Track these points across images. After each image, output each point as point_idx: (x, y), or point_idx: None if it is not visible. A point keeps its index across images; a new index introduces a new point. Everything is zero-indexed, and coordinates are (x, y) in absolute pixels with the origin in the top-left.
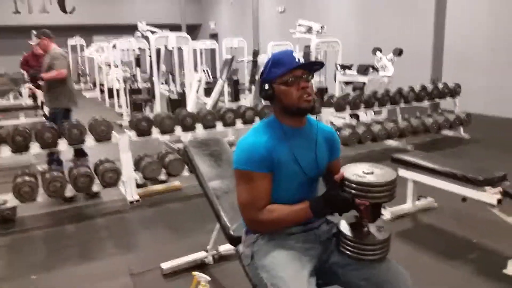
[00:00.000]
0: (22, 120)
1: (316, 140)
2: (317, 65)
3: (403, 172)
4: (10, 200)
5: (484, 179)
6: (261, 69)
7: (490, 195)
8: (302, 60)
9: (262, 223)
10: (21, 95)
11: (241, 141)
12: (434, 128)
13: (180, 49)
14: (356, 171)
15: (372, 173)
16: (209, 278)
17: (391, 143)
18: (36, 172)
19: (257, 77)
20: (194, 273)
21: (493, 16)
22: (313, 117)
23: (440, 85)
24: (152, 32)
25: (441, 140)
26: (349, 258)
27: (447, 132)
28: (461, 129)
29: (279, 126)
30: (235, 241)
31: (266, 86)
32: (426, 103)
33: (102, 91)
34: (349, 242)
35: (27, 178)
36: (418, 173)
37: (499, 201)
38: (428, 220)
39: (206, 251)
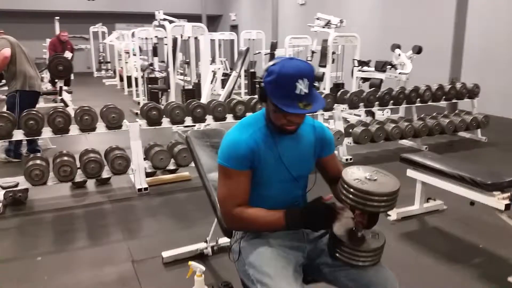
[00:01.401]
0: (41, 105)
1: (305, 137)
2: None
3: (411, 173)
4: (21, 182)
5: (492, 183)
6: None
7: (498, 200)
8: (305, 91)
9: (234, 220)
10: (42, 80)
11: (226, 136)
12: (450, 129)
13: (197, 40)
14: (359, 176)
15: (375, 180)
16: (204, 268)
17: (405, 143)
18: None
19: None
20: (190, 262)
21: None
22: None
23: (458, 85)
24: (170, 22)
25: (457, 142)
26: (339, 261)
27: (464, 134)
28: (479, 131)
29: (267, 123)
30: (229, 234)
31: (262, 90)
32: (443, 103)
33: (121, 79)
34: (341, 246)
35: (38, 161)
36: (426, 174)
37: (507, 207)
38: (435, 223)
39: (206, 242)
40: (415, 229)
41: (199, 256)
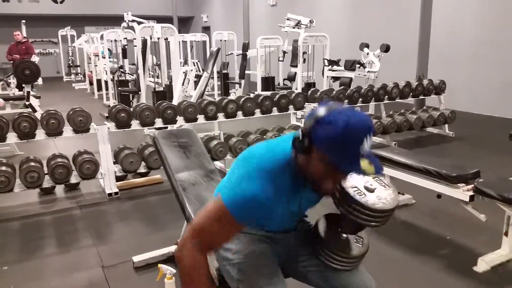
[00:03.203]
0: (8, 110)
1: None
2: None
3: None
4: None
5: (457, 175)
6: (319, 112)
7: (463, 192)
8: (367, 150)
9: (186, 256)
10: (8, 85)
11: (249, 180)
12: (418, 125)
13: (167, 41)
14: (357, 182)
15: (373, 190)
16: (174, 271)
17: (375, 139)
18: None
19: (246, 71)
20: (160, 265)
21: (479, 12)
22: None
23: (425, 82)
24: (139, 23)
25: (426, 137)
26: (318, 260)
27: (432, 130)
28: (446, 126)
29: (295, 177)
30: None
31: (306, 142)
32: (411, 100)
33: (91, 83)
34: (323, 247)
35: (3, 168)
36: (393, 169)
37: (472, 198)
38: (403, 216)
39: (176, 244)
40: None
41: (171, 259)
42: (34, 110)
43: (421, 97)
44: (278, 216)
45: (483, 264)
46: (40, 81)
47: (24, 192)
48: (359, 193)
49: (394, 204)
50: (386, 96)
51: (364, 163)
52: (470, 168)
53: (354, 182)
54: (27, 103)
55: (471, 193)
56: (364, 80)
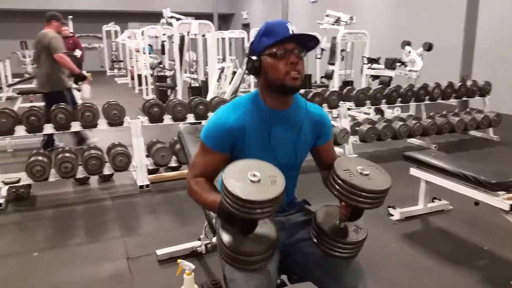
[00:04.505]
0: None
1: (300, 123)
2: (312, 41)
3: (414, 171)
4: (23, 178)
5: (497, 182)
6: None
7: (503, 201)
8: (295, 32)
9: (189, 189)
10: None
11: (215, 113)
12: (460, 128)
13: (205, 37)
14: (351, 167)
15: (367, 174)
16: (193, 267)
17: (414, 141)
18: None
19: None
20: (179, 260)
21: None
22: (302, 97)
23: (469, 83)
24: (177, 19)
25: (468, 141)
26: (318, 249)
27: (475, 133)
28: (490, 130)
29: (260, 104)
30: (214, 230)
31: (254, 57)
32: (454, 101)
33: (132, 78)
34: (321, 235)
35: (40, 157)
36: (430, 173)
37: None
38: (439, 223)
39: (199, 239)
40: (418, 230)
41: (194, 254)
42: (47, 104)
43: (464, 98)
44: (254, 146)
45: None
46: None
47: (59, 182)
48: (350, 175)
49: (384, 186)
50: (427, 97)
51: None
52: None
53: (347, 166)
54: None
55: (511, 201)
56: (405, 79)
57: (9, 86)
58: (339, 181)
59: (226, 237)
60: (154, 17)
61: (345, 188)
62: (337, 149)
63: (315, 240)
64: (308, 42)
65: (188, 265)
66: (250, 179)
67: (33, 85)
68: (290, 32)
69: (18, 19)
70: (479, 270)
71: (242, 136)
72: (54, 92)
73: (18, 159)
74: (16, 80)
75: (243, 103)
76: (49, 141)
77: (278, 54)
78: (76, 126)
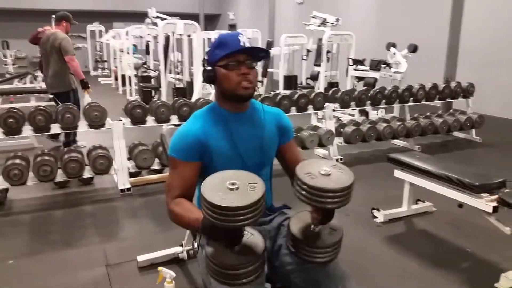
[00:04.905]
0: (33, 103)
1: (260, 123)
2: (262, 52)
3: (399, 173)
4: (0, 182)
5: (480, 184)
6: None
7: (486, 203)
8: (248, 45)
9: (170, 211)
10: (35, 78)
11: (178, 129)
12: (444, 129)
13: (190, 38)
14: (312, 170)
15: (329, 175)
16: (174, 274)
17: (398, 143)
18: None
19: (269, 70)
20: (160, 268)
21: None
22: (257, 101)
23: (453, 84)
24: (162, 19)
25: (451, 142)
26: (296, 258)
27: (458, 134)
28: (473, 131)
29: (218, 110)
30: (194, 234)
31: (208, 68)
32: (438, 103)
33: (116, 78)
34: (296, 242)
35: (17, 161)
36: (414, 175)
37: (495, 209)
38: (423, 225)
39: (182, 245)
40: (402, 232)
41: (175, 261)
42: (58, 104)
43: (448, 100)
44: (221, 154)
45: (506, 281)
46: None
47: (38, 186)
48: (312, 177)
49: (346, 183)
50: (411, 98)
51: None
52: (495, 177)
53: (309, 169)
54: (50, 96)
55: (494, 203)
56: (390, 81)
57: None
58: (302, 185)
59: (211, 252)
60: (140, 16)
61: (308, 191)
62: (322, 151)
63: (291, 249)
64: (259, 53)
65: (169, 272)
66: (228, 187)
67: (41, 83)
68: (241, 44)
69: None
70: (463, 272)
71: (207, 140)
72: (61, 93)
73: None
74: None
75: (203, 113)
76: (67, 140)
77: (229, 65)
78: (55, 128)
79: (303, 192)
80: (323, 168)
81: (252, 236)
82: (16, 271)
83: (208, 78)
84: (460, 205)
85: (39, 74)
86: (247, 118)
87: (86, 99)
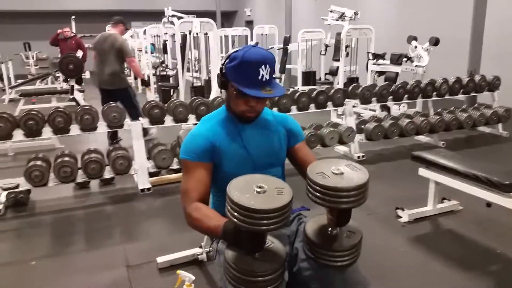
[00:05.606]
0: (54, 104)
1: (268, 127)
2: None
3: (423, 172)
4: (22, 184)
5: (510, 183)
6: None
7: None
8: (266, 77)
9: (188, 216)
10: (56, 79)
11: (189, 132)
12: (468, 124)
13: (207, 36)
14: (324, 170)
15: (341, 174)
16: (193, 278)
17: (421, 139)
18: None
19: (287, 66)
20: (179, 271)
21: None
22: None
23: (477, 78)
24: (178, 18)
25: (477, 137)
26: (314, 263)
27: (483, 129)
28: (500, 125)
29: (227, 113)
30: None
31: (223, 78)
32: (462, 97)
33: (135, 77)
34: (313, 247)
35: (38, 162)
36: (439, 173)
37: None
38: (449, 225)
39: (201, 247)
40: (428, 232)
41: (195, 262)
42: (78, 104)
43: (473, 94)
44: (231, 154)
45: None
46: (87, 74)
47: (59, 186)
48: (324, 177)
49: (360, 181)
50: (435, 93)
51: (264, 90)
52: None
53: (320, 169)
54: (71, 97)
55: None
56: (411, 75)
57: (11, 88)
58: (314, 186)
59: (231, 257)
60: (156, 16)
61: (321, 191)
62: (343, 148)
63: (309, 254)
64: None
65: (188, 276)
66: (256, 190)
67: (62, 84)
68: (260, 77)
69: (20, 21)
70: (492, 275)
71: (218, 145)
72: (120, 89)
73: (19, 163)
74: (19, 81)
75: (212, 117)
76: (113, 134)
77: (241, 93)
78: (75, 130)
79: (316, 193)
80: (334, 167)
81: (273, 244)
82: (38, 273)
83: (221, 84)
84: (489, 204)
85: (59, 74)
86: (255, 121)
87: (148, 96)
